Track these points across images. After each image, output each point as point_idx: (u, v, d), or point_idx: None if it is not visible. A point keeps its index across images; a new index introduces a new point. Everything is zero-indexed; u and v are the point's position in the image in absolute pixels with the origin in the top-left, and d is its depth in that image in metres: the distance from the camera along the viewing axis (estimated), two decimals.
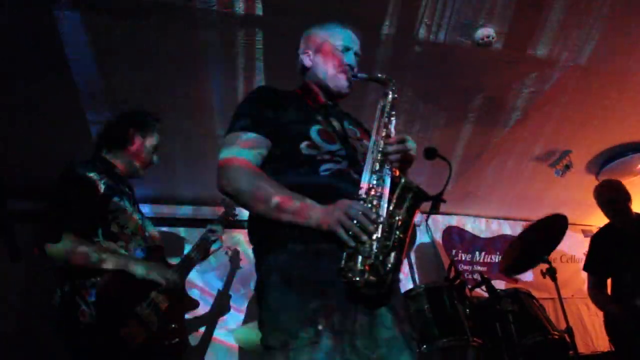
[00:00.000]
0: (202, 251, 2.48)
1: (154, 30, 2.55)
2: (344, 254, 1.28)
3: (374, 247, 1.27)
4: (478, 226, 5.12)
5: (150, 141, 2.33)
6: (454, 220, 5.02)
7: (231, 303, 3.92)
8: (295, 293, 1.27)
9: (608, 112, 3.70)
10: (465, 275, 4.68)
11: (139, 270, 1.99)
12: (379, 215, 1.30)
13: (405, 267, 4.36)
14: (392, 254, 1.29)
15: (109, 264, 1.94)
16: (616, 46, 3.02)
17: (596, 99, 3.53)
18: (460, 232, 5.00)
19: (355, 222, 1.26)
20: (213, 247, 2.56)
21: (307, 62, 1.73)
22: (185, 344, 2.16)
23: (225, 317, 3.86)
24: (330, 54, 1.68)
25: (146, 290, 2.04)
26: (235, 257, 4.06)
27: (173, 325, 2.10)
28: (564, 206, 4.88)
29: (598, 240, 3.36)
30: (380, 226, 1.29)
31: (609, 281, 3.27)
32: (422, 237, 4.54)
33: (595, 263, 3.29)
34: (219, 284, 3.97)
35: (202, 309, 3.82)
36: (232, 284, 3.97)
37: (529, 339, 2.72)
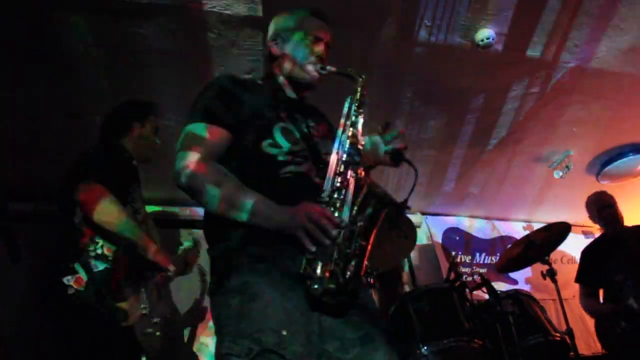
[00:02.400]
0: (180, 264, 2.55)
1: (154, 31, 2.56)
2: (304, 259, 1.22)
3: (335, 253, 1.21)
4: (478, 227, 5.12)
5: (149, 124, 2.39)
6: (454, 222, 5.02)
7: None
8: (256, 298, 1.19)
9: (608, 113, 3.70)
10: (466, 276, 4.67)
11: (152, 252, 2.02)
12: (342, 220, 1.23)
13: (405, 268, 4.36)
14: (353, 262, 1.23)
15: (134, 235, 1.96)
16: (616, 47, 3.02)
17: (596, 100, 3.53)
18: (460, 233, 4.99)
19: (316, 226, 1.19)
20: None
21: (274, 50, 1.62)
22: (159, 342, 2.17)
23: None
24: (299, 43, 1.57)
25: (148, 276, 2.11)
26: None
27: (155, 320, 2.13)
28: (564, 207, 4.90)
29: (588, 252, 3.43)
30: (342, 232, 1.22)
31: (601, 292, 3.31)
32: (422, 239, 4.54)
33: (586, 274, 3.34)
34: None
35: (197, 311, 3.84)
36: None
37: (529, 340, 2.72)
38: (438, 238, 4.83)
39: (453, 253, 4.77)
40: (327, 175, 1.32)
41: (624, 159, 4.26)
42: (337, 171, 1.32)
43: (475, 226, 5.11)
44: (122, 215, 1.95)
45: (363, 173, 1.34)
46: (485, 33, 2.78)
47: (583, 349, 3.97)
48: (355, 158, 1.34)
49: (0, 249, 1.37)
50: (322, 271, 1.20)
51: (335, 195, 1.28)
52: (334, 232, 1.20)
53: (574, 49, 3.01)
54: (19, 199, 3.24)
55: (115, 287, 1.91)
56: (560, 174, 4.23)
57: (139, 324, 2.01)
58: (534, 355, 2.70)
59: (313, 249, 1.20)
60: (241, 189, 1.29)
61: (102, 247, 1.99)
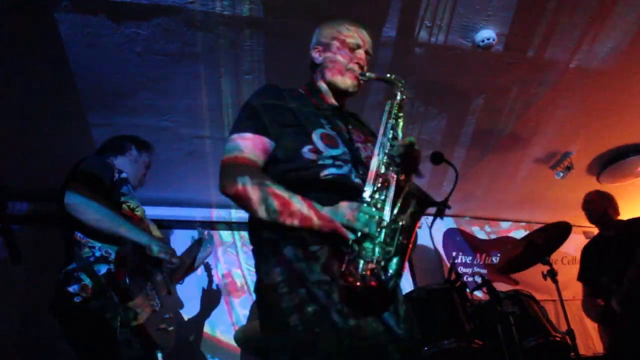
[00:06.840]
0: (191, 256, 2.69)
1: (155, 32, 2.55)
2: (346, 257, 1.25)
3: (377, 251, 1.24)
4: (479, 228, 5.12)
5: (145, 157, 2.51)
6: (454, 222, 5.02)
7: (234, 302, 3.93)
8: (292, 295, 1.26)
9: (609, 113, 3.70)
10: (466, 277, 4.67)
11: (154, 247, 2.06)
12: (382, 218, 1.28)
13: (406, 269, 4.36)
14: (394, 260, 1.26)
15: (126, 230, 2.01)
16: (617, 47, 3.02)
17: (597, 100, 3.53)
18: (461, 234, 5.00)
19: (358, 221, 1.24)
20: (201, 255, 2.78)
21: (316, 58, 1.70)
22: (173, 336, 2.18)
23: (226, 316, 3.87)
24: (340, 51, 1.64)
25: (151, 272, 2.15)
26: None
27: (167, 316, 2.14)
28: (565, 208, 4.89)
29: (587, 250, 3.45)
30: (384, 230, 1.27)
31: None
32: (423, 239, 4.54)
33: (586, 272, 3.36)
34: (222, 283, 3.98)
35: (204, 308, 3.84)
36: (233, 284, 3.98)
37: (530, 341, 2.72)
38: (439, 238, 4.83)
39: (454, 253, 4.77)
40: (368, 176, 1.36)
41: (625, 160, 4.26)
42: (378, 172, 1.36)
43: (476, 227, 5.11)
44: (105, 210, 1.98)
45: (403, 175, 1.39)
46: (485, 33, 2.78)
47: (583, 350, 3.96)
48: (396, 160, 1.39)
49: (0, 250, 1.37)
50: (364, 269, 1.23)
51: (377, 196, 1.32)
52: (375, 227, 1.25)
53: (574, 49, 3.01)
54: (19, 200, 3.25)
55: (121, 287, 1.92)
56: (561, 174, 4.23)
57: (152, 320, 2.02)
58: (534, 355, 2.70)
59: (352, 237, 1.24)
60: (283, 194, 1.33)
61: (99, 249, 2.00)
